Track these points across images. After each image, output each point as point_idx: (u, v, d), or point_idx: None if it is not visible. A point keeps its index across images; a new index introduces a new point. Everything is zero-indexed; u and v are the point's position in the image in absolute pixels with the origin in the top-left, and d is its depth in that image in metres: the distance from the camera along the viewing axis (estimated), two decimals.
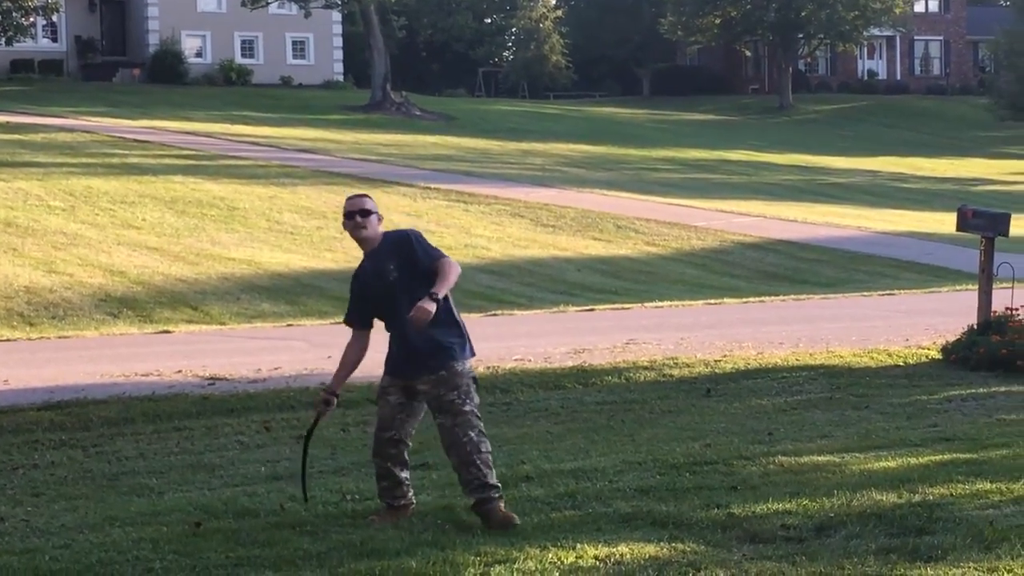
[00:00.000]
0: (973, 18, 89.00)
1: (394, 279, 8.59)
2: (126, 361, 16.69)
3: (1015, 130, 71.41)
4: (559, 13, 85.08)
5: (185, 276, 25.26)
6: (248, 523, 8.80)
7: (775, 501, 9.04)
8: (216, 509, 9.27)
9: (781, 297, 24.85)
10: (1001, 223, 17.22)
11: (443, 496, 9.48)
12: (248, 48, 68.11)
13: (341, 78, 69.95)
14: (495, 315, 21.71)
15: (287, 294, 24.37)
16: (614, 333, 19.02)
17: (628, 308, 23.12)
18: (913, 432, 12.27)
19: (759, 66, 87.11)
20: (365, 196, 8.87)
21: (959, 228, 17.76)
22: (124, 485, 10.75)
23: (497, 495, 8.64)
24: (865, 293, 25.38)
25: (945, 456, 10.83)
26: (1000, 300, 17.24)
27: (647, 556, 7.79)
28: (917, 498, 9.11)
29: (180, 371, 15.86)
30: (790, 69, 78.66)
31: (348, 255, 28.07)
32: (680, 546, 8.01)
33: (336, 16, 68.29)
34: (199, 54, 66.96)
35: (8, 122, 44.48)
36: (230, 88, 63.91)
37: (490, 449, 8.72)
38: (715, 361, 16.57)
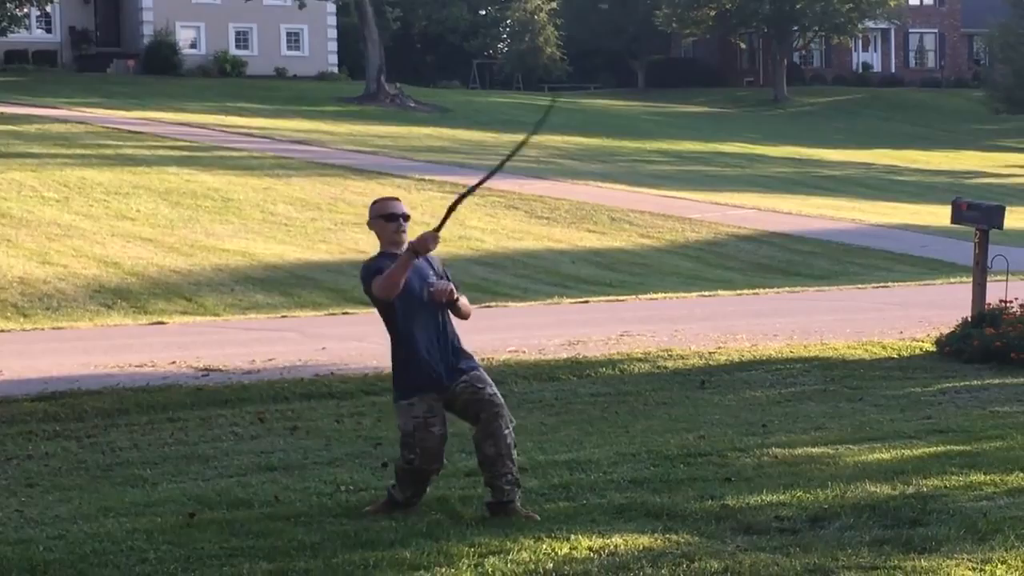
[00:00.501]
0: (968, 11, 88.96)
1: (434, 279, 8.69)
2: (120, 352, 16.69)
3: (1010, 123, 71.45)
4: (553, 5, 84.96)
5: (179, 267, 25.24)
6: (242, 514, 8.80)
7: (769, 492, 9.05)
8: (210, 500, 9.27)
9: (775, 289, 24.85)
10: (995, 216, 17.24)
11: (437, 487, 9.47)
12: (242, 39, 68.02)
13: (336, 70, 69.87)
14: (489, 307, 21.70)
15: (281, 285, 24.36)
16: (608, 325, 19.02)
17: (622, 300, 23.13)
18: (907, 424, 12.28)
19: (754, 58, 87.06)
20: (400, 200, 8.92)
21: (953, 221, 17.77)
22: (118, 476, 10.74)
23: (519, 493, 8.67)
24: (859, 285, 25.39)
25: (939, 448, 10.84)
26: (994, 293, 17.25)
27: (641, 547, 7.79)
28: (911, 490, 9.12)
29: (174, 362, 15.85)
30: (785, 61, 78.64)
31: (342, 247, 28.08)
32: (674, 537, 8.02)
33: (331, 7, 68.21)
34: (193, 45, 66.87)
35: (2, 113, 44.41)
36: (224, 79, 63.82)
37: None
38: (709, 353, 16.58)
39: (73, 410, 13.33)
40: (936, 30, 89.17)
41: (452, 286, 8.63)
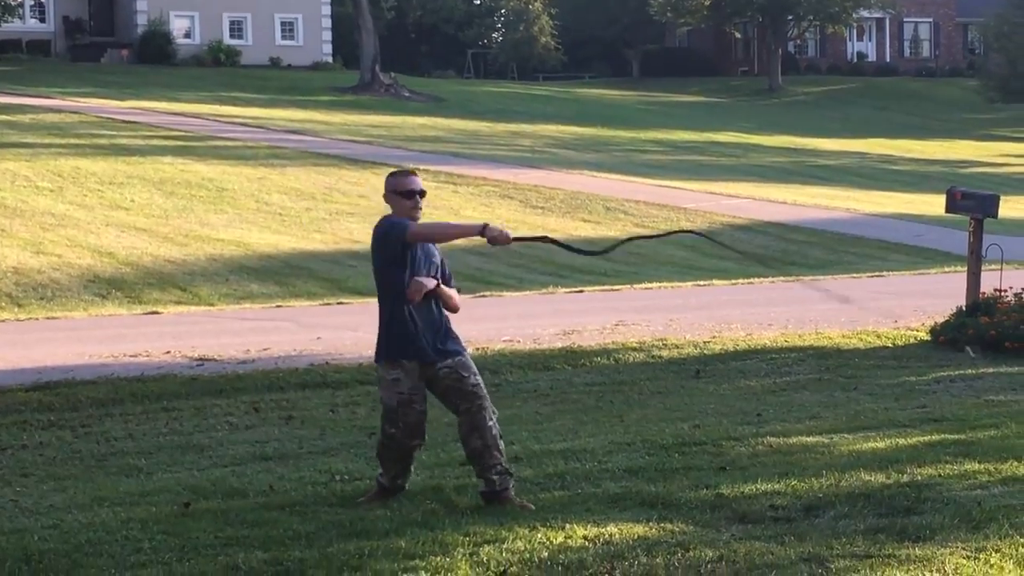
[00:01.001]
0: (963, 0, 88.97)
1: (435, 265, 8.71)
2: (115, 342, 16.68)
3: (1004, 112, 71.47)
4: None
5: (174, 257, 25.22)
6: (237, 503, 8.80)
7: (764, 481, 9.06)
8: (205, 489, 9.27)
9: (770, 279, 24.86)
10: (990, 205, 17.24)
11: (432, 476, 9.49)
12: (237, 29, 67.92)
13: (330, 59, 69.78)
14: (484, 296, 21.70)
15: (276, 275, 24.34)
16: (603, 315, 19.02)
17: (618, 290, 23.12)
18: (902, 413, 12.29)
19: (748, 48, 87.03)
20: (417, 174, 8.88)
21: (948, 210, 17.77)
22: (113, 465, 10.74)
23: (512, 482, 8.70)
24: (854, 275, 25.39)
25: (933, 437, 10.85)
26: (989, 282, 17.26)
27: (636, 536, 7.80)
28: (905, 478, 9.13)
29: (169, 352, 15.84)
30: (779, 51, 78.62)
31: (337, 237, 28.07)
32: (669, 526, 8.03)
33: None
34: (188, 35, 66.76)
35: None
36: (219, 69, 63.75)
37: None
38: (704, 342, 16.58)
39: (68, 400, 13.33)
40: (931, 19, 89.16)
41: (431, 282, 8.59)
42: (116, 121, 42.84)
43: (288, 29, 69.18)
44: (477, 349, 15.40)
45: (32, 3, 63.34)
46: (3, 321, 19.51)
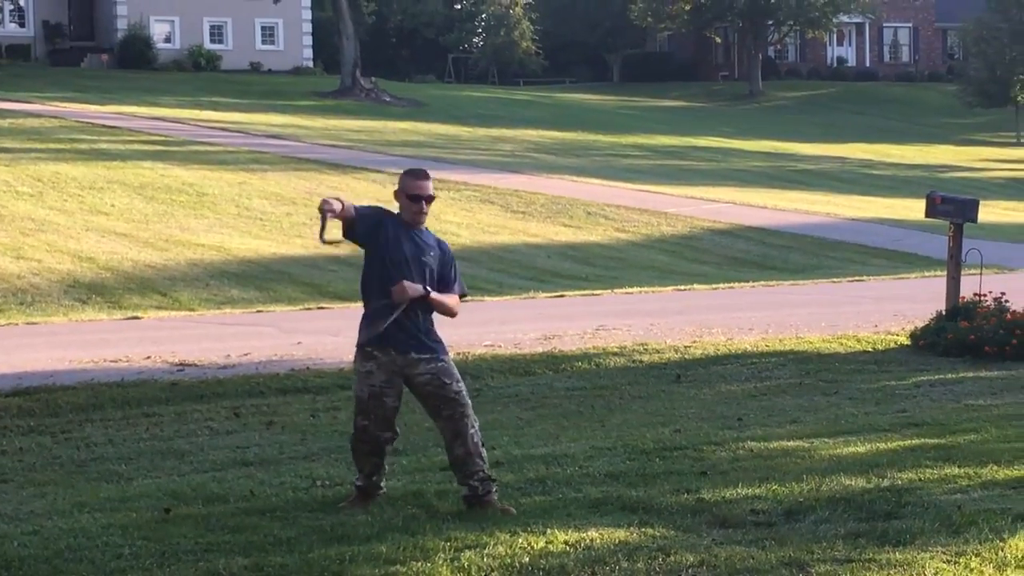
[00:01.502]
0: (942, 5, 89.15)
1: (428, 266, 8.66)
2: (95, 347, 16.63)
3: (983, 117, 71.67)
4: None
5: (154, 262, 25.17)
6: (217, 509, 8.78)
7: (744, 486, 9.07)
8: (185, 495, 9.25)
9: (750, 283, 24.91)
10: (969, 209, 17.31)
11: (413, 481, 9.48)
12: (217, 33, 67.82)
13: (311, 64, 69.72)
14: (465, 301, 21.64)
15: (256, 280, 24.32)
16: (584, 319, 19.04)
17: (598, 294, 23.14)
18: (882, 417, 12.32)
19: (729, 52, 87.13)
20: (430, 178, 8.80)
21: (928, 214, 17.83)
22: (93, 471, 10.71)
23: (495, 487, 8.71)
24: (834, 279, 25.47)
25: (914, 441, 10.88)
26: (968, 286, 17.32)
27: (617, 541, 7.80)
28: (886, 483, 9.15)
29: (149, 357, 15.81)
30: (760, 56, 78.76)
31: (318, 242, 28.04)
32: (650, 531, 8.03)
33: (305, 2, 68.06)
34: (168, 39, 66.63)
35: None
36: (199, 74, 63.64)
37: None
38: (685, 347, 16.61)
39: (47, 405, 13.29)
40: (910, 24, 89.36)
41: (418, 290, 8.53)
42: (96, 126, 42.75)
43: (268, 34, 69.10)
44: (458, 354, 15.38)
45: (12, 7, 63.18)
46: None
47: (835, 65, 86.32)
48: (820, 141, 58.86)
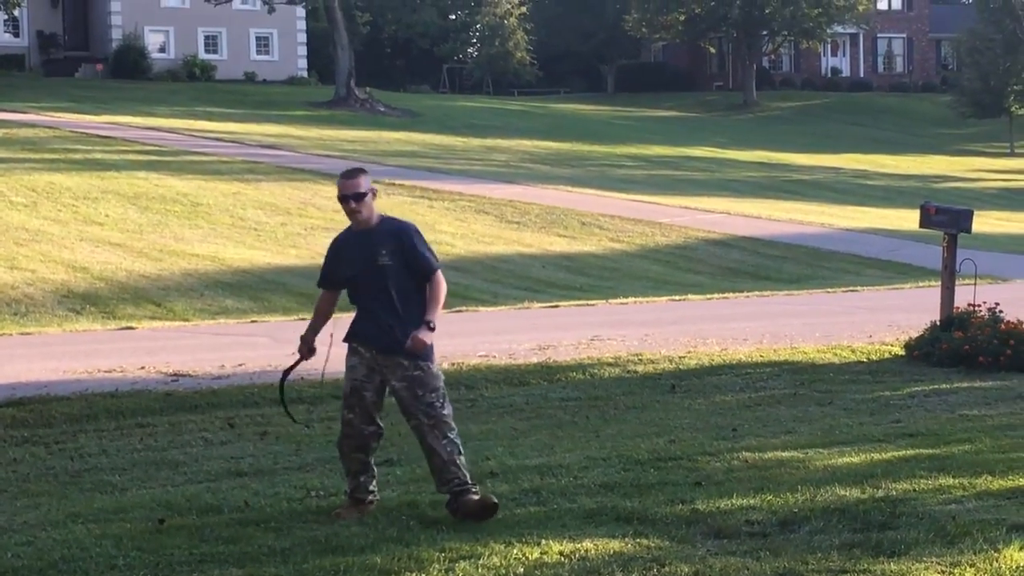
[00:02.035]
0: (936, 16, 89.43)
1: (385, 264, 8.67)
2: (89, 357, 16.61)
3: (977, 127, 71.80)
4: (523, 9, 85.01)
5: (148, 272, 25.16)
6: (212, 519, 8.77)
7: (739, 497, 9.07)
8: (179, 506, 9.24)
9: (745, 293, 24.91)
10: (964, 220, 17.30)
11: (408, 492, 9.48)
12: (212, 43, 67.87)
13: (305, 74, 69.79)
14: (459, 311, 21.68)
15: (251, 290, 24.30)
16: (579, 329, 19.03)
17: (593, 305, 23.14)
18: (876, 428, 12.31)
19: (723, 63, 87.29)
20: (359, 173, 8.79)
21: (922, 225, 17.83)
22: (87, 482, 10.69)
23: (474, 489, 8.72)
24: (829, 289, 25.47)
25: (908, 452, 10.88)
26: (963, 296, 17.32)
27: (611, 552, 7.80)
28: (880, 493, 9.15)
29: (143, 367, 15.79)
30: (754, 66, 78.88)
31: (312, 251, 28.02)
32: (644, 542, 8.03)
33: (300, 12, 68.11)
34: (162, 49, 66.70)
35: None
36: (193, 84, 63.68)
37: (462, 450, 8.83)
38: (679, 357, 16.60)
39: (41, 416, 13.27)
40: (904, 35, 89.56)
41: (427, 338, 8.55)
42: (90, 136, 42.74)
43: (263, 44, 69.15)
44: (452, 364, 15.40)
45: (6, 17, 63.14)
46: None
47: (829, 75, 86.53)
48: (814, 151, 58.92)
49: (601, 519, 8.60)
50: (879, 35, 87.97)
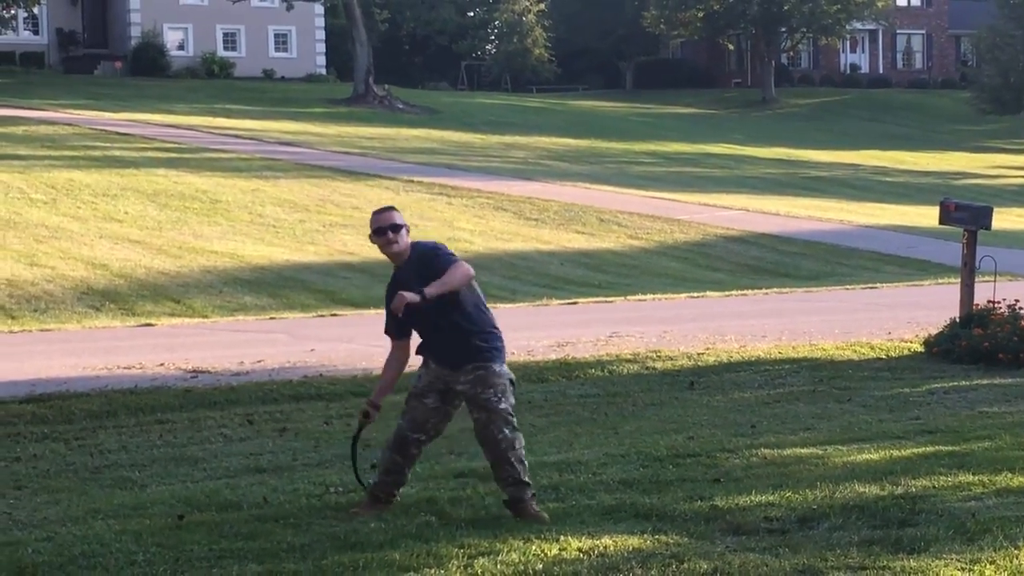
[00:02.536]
0: (955, 12, 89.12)
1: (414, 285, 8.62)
2: (108, 354, 16.66)
3: (997, 124, 71.57)
4: (542, 6, 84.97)
5: (167, 269, 25.21)
6: (231, 516, 8.79)
7: (758, 493, 9.06)
8: (199, 502, 9.26)
9: (764, 290, 24.88)
10: (983, 217, 17.27)
11: (426, 488, 9.48)
12: (230, 41, 67.93)
13: (324, 71, 69.81)
14: None
15: (269, 287, 24.34)
16: (597, 326, 19.03)
17: (611, 301, 23.13)
18: (895, 425, 12.30)
19: (742, 60, 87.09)
20: (393, 210, 8.86)
21: (942, 221, 17.80)
22: (107, 478, 10.73)
23: (530, 493, 8.75)
24: (848, 286, 25.42)
25: (927, 448, 10.86)
26: (982, 293, 17.28)
27: (630, 548, 7.79)
28: (899, 490, 9.13)
29: (163, 364, 15.83)
30: (773, 63, 78.71)
31: (330, 248, 28.08)
32: (663, 538, 8.02)
33: (319, 9, 68.14)
34: (181, 47, 66.76)
35: None
36: (212, 81, 63.73)
37: (523, 445, 8.83)
38: (698, 354, 16.59)
39: (61, 412, 13.32)
40: (924, 31, 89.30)
41: (409, 297, 8.45)
42: (110, 133, 42.82)
43: (281, 41, 69.20)
44: None
45: (26, 15, 63.27)
46: None
47: (848, 72, 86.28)
48: (833, 148, 58.79)
49: (620, 516, 8.60)
50: (898, 31, 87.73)
